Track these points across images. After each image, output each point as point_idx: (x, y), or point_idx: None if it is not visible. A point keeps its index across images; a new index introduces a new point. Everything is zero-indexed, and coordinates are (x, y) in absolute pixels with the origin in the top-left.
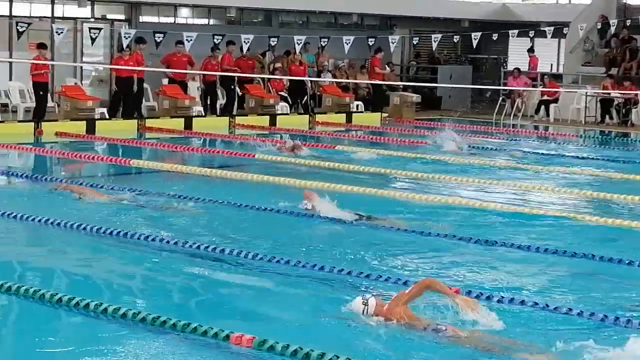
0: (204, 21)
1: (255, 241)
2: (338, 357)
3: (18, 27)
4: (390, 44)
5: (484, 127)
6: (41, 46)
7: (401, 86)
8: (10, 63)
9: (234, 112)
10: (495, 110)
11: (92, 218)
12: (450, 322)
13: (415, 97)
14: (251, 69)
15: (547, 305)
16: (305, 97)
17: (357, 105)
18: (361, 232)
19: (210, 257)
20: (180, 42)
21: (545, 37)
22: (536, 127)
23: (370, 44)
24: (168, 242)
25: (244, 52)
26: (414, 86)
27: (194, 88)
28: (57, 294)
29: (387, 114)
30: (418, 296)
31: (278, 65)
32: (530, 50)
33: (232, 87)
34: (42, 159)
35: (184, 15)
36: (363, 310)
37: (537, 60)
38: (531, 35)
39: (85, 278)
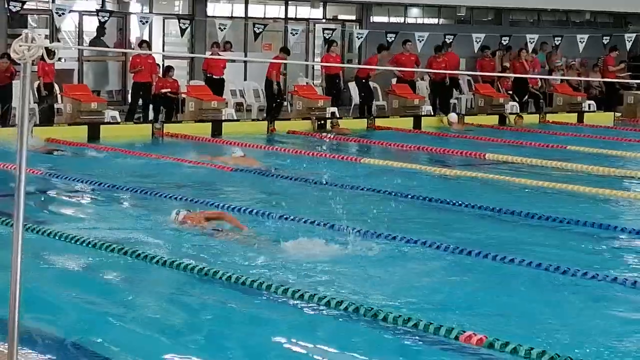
0: (434, 20)
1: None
2: None
3: (255, 29)
4: (626, 42)
5: None
6: (284, 51)
7: (635, 85)
8: (245, 63)
9: (462, 112)
10: None
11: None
12: (226, 227)
13: None
14: (491, 69)
15: None
16: (525, 97)
17: (589, 105)
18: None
19: None
20: (409, 41)
21: None
22: None
23: (605, 42)
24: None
25: (476, 52)
26: None
27: (423, 87)
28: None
29: (620, 114)
30: (213, 219)
31: (507, 64)
32: None
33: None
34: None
35: (414, 15)
36: (174, 219)
37: None
38: None
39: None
